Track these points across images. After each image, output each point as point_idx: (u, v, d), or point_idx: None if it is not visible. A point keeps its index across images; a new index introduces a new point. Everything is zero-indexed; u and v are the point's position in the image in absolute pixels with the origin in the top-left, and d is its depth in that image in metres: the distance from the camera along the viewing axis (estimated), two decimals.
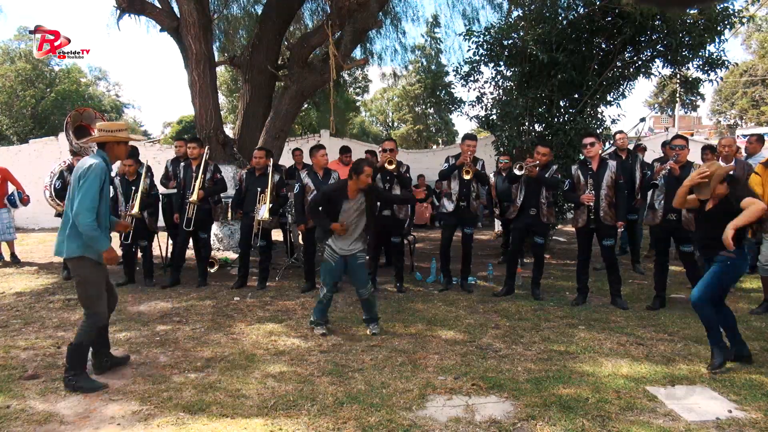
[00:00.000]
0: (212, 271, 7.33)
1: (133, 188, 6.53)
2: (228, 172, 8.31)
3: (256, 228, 6.49)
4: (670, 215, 5.36)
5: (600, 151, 5.82)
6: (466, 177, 6.08)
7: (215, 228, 8.46)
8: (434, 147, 26.29)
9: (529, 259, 7.07)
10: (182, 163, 6.79)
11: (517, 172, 5.91)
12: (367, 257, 6.41)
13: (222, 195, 7.30)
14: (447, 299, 6.03)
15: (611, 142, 8.13)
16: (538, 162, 5.88)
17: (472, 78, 8.94)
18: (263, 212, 6.38)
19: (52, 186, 7.21)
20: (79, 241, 3.64)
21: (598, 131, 8.11)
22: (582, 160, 5.79)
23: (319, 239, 4.90)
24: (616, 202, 5.57)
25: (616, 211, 5.57)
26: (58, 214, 7.31)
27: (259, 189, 6.53)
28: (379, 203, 6.29)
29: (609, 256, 5.77)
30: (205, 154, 6.70)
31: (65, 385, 3.67)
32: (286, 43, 9.57)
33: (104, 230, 3.76)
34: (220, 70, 17.70)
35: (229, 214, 7.15)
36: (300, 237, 8.39)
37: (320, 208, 4.81)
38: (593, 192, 5.53)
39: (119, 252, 5.69)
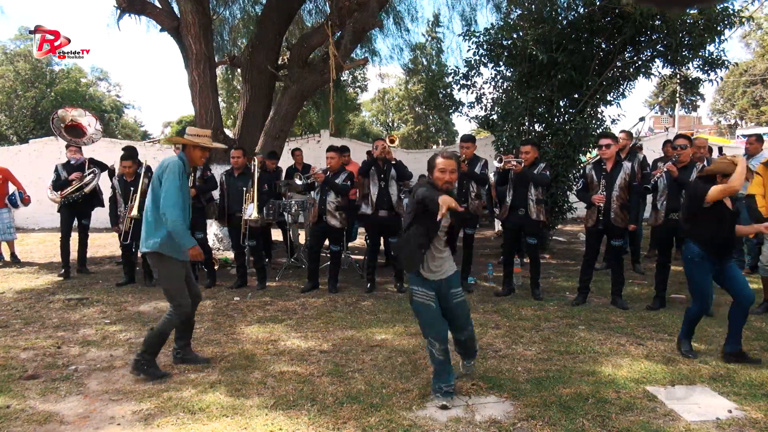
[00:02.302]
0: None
1: (132, 189, 6.52)
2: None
3: (243, 228, 6.47)
4: (672, 215, 5.36)
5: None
6: None
7: (215, 228, 8.46)
8: (434, 147, 26.28)
9: (528, 260, 7.06)
10: None
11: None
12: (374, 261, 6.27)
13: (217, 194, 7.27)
14: None
15: None
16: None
17: (469, 80, 8.94)
18: (251, 211, 6.36)
19: (52, 183, 7.22)
20: (157, 237, 3.81)
21: (598, 131, 8.11)
22: (597, 159, 5.80)
23: (410, 268, 3.51)
24: (630, 205, 5.57)
25: (629, 213, 5.57)
26: (59, 208, 7.28)
27: (244, 188, 6.51)
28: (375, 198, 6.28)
29: (616, 256, 5.78)
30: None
31: (134, 366, 3.80)
32: (286, 43, 9.57)
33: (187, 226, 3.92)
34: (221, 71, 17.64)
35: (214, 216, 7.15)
36: (300, 236, 8.42)
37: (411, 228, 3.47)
38: (605, 193, 5.53)
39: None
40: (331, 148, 6.50)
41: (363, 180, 6.44)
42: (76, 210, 7.26)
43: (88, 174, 7.29)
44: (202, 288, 6.59)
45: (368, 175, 6.33)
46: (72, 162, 7.33)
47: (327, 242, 6.94)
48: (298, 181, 6.37)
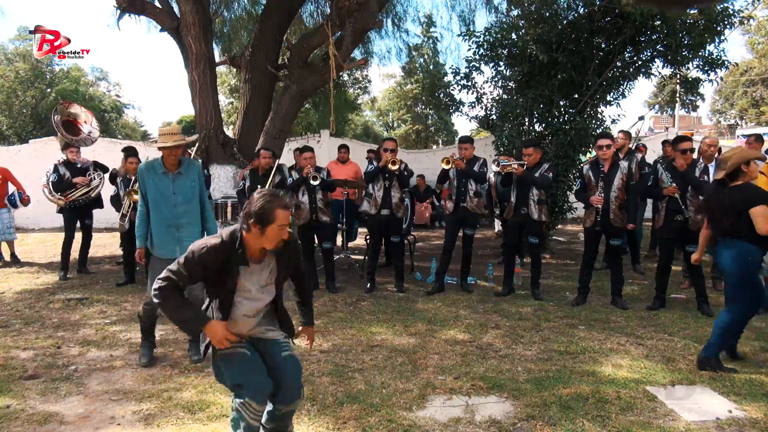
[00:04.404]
0: None
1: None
2: (228, 172, 8.32)
3: None
4: (678, 216, 5.33)
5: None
6: (446, 166, 6.21)
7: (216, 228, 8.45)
8: (434, 147, 26.27)
9: (528, 260, 7.09)
10: None
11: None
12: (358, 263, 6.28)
13: (221, 195, 7.27)
14: (447, 299, 6.03)
15: None
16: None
17: (470, 81, 8.94)
18: None
19: (49, 181, 7.18)
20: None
21: (598, 131, 8.11)
22: (594, 160, 5.79)
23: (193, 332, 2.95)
24: (627, 205, 5.57)
25: (627, 213, 5.57)
26: (60, 210, 7.28)
27: (259, 187, 6.58)
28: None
29: (615, 255, 5.79)
30: (193, 152, 6.75)
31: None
32: (286, 43, 9.57)
33: (164, 228, 4.11)
34: (222, 70, 17.68)
35: (228, 214, 7.16)
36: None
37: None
38: (603, 194, 5.53)
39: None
40: (306, 149, 6.64)
41: (366, 183, 6.51)
42: (79, 211, 7.27)
43: (94, 177, 7.31)
44: None
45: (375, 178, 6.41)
46: (78, 165, 7.32)
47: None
48: (314, 182, 6.41)
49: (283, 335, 2.76)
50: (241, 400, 2.51)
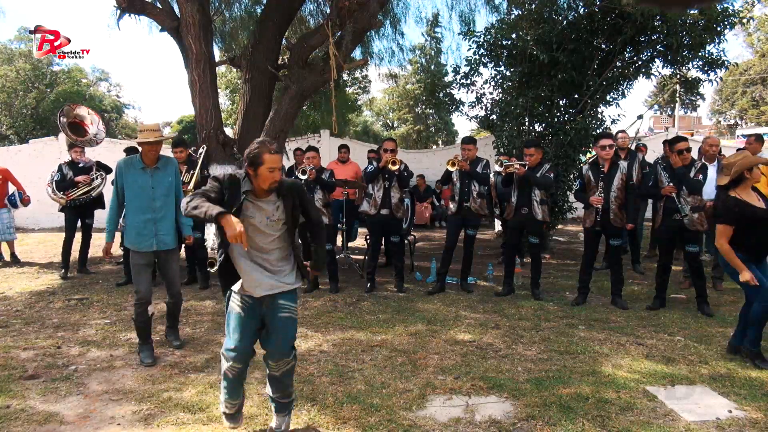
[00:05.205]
0: (212, 271, 7.32)
1: None
2: (228, 172, 8.32)
3: None
4: (676, 215, 5.34)
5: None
6: (451, 168, 6.22)
7: (215, 228, 8.45)
8: (434, 147, 26.29)
9: (528, 260, 7.09)
10: None
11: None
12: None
13: None
14: (447, 299, 6.03)
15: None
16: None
17: (470, 80, 8.95)
18: None
19: (53, 180, 7.23)
20: (125, 231, 4.37)
21: (598, 131, 8.12)
22: (594, 160, 5.80)
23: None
24: (627, 204, 5.57)
25: (627, 213, 5.57)
26: (62, 209, 7.32)
27: None
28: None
29: (615, 255, 5.79)
30: (200, 152, 6.77)
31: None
32: (286, 43, 9.57)
33: (143, 222, 4.19)
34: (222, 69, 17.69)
35: None
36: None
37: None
38: (603, 194, 5.54)
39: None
40: (310, 148, 6.69)
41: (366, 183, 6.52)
42: (80, 210, 7.30)
43: (96, 177, 7.35)
44: (192, 290, 6.60)
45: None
46: (80, 164, 7.36)
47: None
48: (302, 176, 6.43)
49: (294, 286, 2.97)
50: (224, 352, 2.93)
